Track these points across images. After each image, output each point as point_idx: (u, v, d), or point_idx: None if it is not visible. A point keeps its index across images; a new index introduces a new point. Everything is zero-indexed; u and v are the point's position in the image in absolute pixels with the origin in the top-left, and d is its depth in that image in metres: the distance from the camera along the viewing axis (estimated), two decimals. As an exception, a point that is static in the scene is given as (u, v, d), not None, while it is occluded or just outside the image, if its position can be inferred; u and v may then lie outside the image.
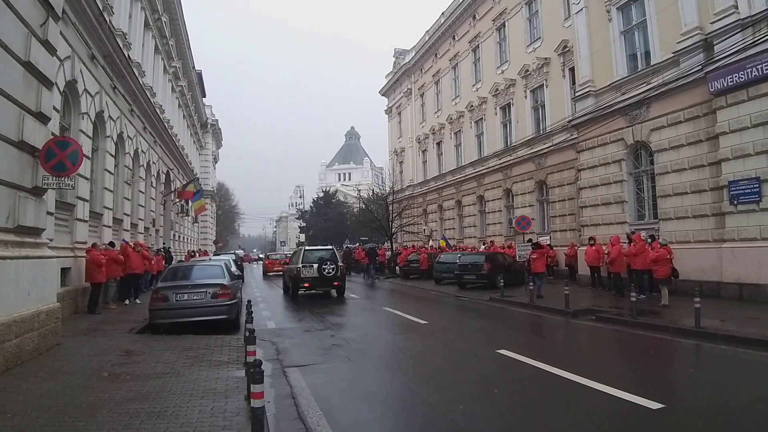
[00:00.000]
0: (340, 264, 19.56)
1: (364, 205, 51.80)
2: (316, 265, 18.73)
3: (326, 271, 18.56)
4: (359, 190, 55.26)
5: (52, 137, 8.98)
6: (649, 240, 14.46)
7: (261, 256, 67.94)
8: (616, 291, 15.29)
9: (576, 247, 19.72)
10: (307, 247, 23.81)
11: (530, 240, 21.42)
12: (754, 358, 7.91)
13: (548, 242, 22.82)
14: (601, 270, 17.09)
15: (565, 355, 8.82)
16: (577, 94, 20.04)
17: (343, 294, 19.47)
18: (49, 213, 9.80)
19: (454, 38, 34.94)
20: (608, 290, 16.37)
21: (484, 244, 27.81)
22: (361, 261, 33.59)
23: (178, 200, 31.21)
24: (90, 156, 14.31)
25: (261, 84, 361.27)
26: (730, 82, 13.36)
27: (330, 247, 24.88)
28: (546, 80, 24.88)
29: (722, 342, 8.87)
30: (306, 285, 18.88)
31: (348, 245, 48.79)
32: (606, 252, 16.37)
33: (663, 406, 5.54)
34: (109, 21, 15.04)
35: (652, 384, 6.55)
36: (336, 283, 19.11)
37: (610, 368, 7.87)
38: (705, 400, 5.99)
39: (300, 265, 19.09)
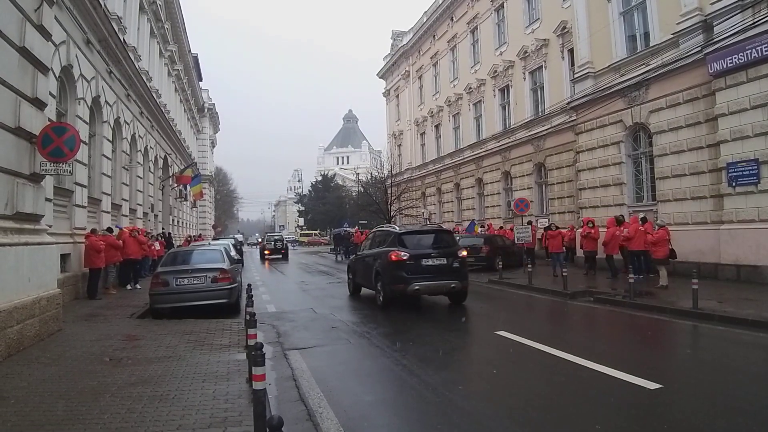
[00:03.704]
0: (285, 242, 39.82)
1: (362, 189, 51.73)
2: (273, 243, 37.32)
3: (278, 246, 36.84)
4: (357, 174, 55.16)
5: (48, 123, 8.92)
6: (641, 222, 14.52)
7: (259, 240, 68.40)
8: (611, 273, 15.34)
9: (575, 230, 19.74)
10: (269, 233, 49.36)
11: (530, 222, 21.47)
12: (751, 339, 7.97)
13: (547, 224, 22.85)
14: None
15: (563, 336, 8.89)
16: (576, 76, 19.94)
17: (287, 258, 35.45)
18: (47, 199, 9.81)
19: (452, 19, 34.65)
20: (588, 272, 16.50)
21: (482, 227, 27.86)
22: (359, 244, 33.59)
23: (176, 185, 31.15)
24: (87, 141, 14.26)
25: (256, 74, 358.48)
26: (730, 63, 13.29)
27: (280, 233, 52.88)
28: (545, 62, 24.74)
29: (720, 323, 8.93)
30: (267, 252, 36.29)
31: (347, 228, 48.85)
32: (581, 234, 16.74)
33: (660, 386, 5.60)
34: (104, 5, 14.88)
35: (650, 364, 6.61)
36: (283, 251, 36.59)
37: (608, 349, 7.93)
38: (702, 381, 6.05)
39: (265, 243, 38.99)
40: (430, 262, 11.74)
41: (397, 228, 14.19)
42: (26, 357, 7.00)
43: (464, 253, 12.63)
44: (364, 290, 14.39)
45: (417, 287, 11.45)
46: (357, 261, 14.65)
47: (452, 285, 11.73)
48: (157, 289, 10.84)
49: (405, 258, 11.60)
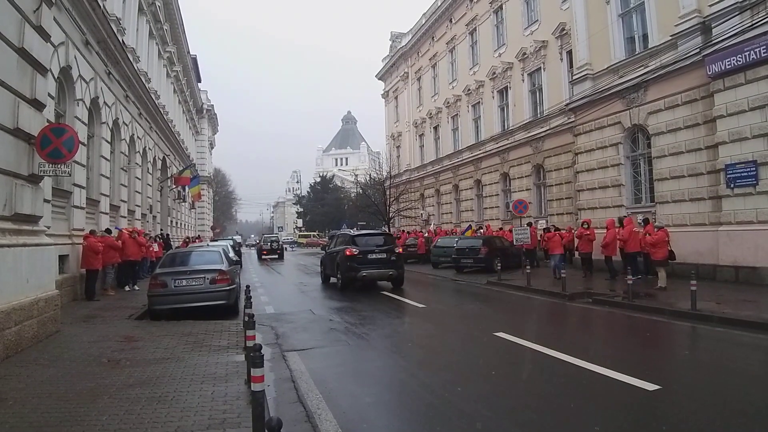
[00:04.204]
0: (281, 243, 42.66)
1: (361, 190, 51.85)
2: (269, 243, 39.69)
3: (274, 246, 39.15)
4: (356, 175, 55.26)
5: (47, 124, 8.93)
6: (641, 223, 14.51)
7: (257, 241, 68.92)
8: (610, 274, 15.30)
9: (573, 231, 19.73)
10: (266, 235, 50.93)
11: (530, 223, 21.48)
12: (750, 340, 7.98)
13: (545, 226, 22.86)
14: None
15: (561, 338, 8.89)
16: (574, 77, 19.95)
17: (282, 258, 37.75)
18: (45, 200, 9.80)
19: (451, 21, 34.68)
20: (586, 274, 16.43)
21: (480, 228, 27.89)
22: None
23: (175, 186, 31.12)
24: (86, 143, 14.23)
25: (256, 75, 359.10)
26: (728, 65, 13.31)
27: (276, 235, 53.86)
28: (543, 63, 24.77)
29: (718, 324, 8.94)
30: (264, 252, 38.56)
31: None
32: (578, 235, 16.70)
33: (659, 387, 5.60)
34: (103, 6, 14.87)
35: (649, 366, 6.61)
36: (279, 252, 39.03)
37: (607, 350, 7.93)
38: (701, 382, 6.06)
39: (262, 244, 42.04)
40: (374, 256, 15.84)
41: (352, 231, 19.14)
42: (24, 358, 6.98)
43: (400, 249, 17.87)
44: (358, 290, 14.46)
45: (364, 274, 15.51)
46: (326, 256, 19.15)
47: (390, 273, 15.96)
48: (155, 290, 10.82)
49: (356, 253, 15.71)
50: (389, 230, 36.58)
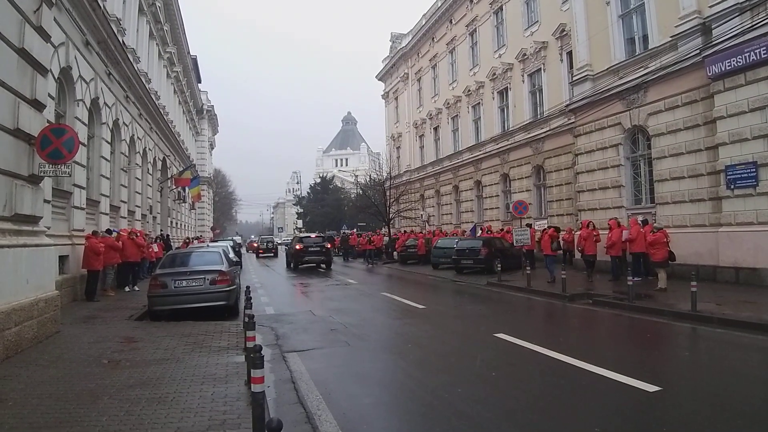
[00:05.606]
0: (276, 244, 50.30)
1: (361, 191, 51.94)
2: (266, 244, 46.27)
3: (269, 246, 45.54)
4: (356, 176, 55.36)
5: (47, 125, 8.92)
6: (641, 224, 14.51)
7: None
8: (612, 275, 15.26)
9: (573, 232, 19.72)
10: (263, 236, 59.19)
11: (529, 225, 21.46)
12: (750, 341, 7.97)
13: (545, 227, 22.83)
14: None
15: (562, 339, 8.87)
16: (574, 79, 19.95)
17: (277, 255, 43.32)
18: (45, 201, 9.79)
19: (451, 22, 34.68)
20: (588, 275, 16.36)
21: (481, 229, 27.86)
22: (357, 247, 34.24)
23: (174, 187, 31.11)
24: (86, 143, 14.23)
25: (256, 73, 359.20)
26: (728, 66, 13.31)
27: (272, 237, 61.85)
28: (544, 64, 24.77)
29: (718, 325, 8.93)
30: (261, 252, 44.56)
31: (345, 231, 48.99)
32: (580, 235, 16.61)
33: (659, 388, 5.60)
34: (103, 6, 14.87)
35: (649, 367, 6.61)
36: (273, 251, 45.03)
37: (607, 352, 7.93)
38: (701, 383, 6.05)
39: (258, 244, 48.48)
40: (312, 248, 26.19)
41: (301, 234, 30.74)
42: (24, 359, 6.98)
43: (329, 245, 27.89)
44: (359, 291, 14.43)
45: (306, 259, 25.95)
46: (287, 250, 31.20)
47: (322, 259, 26.19)
48: (155, 291, 10.81)
49: (301, 247, 26.18)
50: (390, 231, 36.68)
